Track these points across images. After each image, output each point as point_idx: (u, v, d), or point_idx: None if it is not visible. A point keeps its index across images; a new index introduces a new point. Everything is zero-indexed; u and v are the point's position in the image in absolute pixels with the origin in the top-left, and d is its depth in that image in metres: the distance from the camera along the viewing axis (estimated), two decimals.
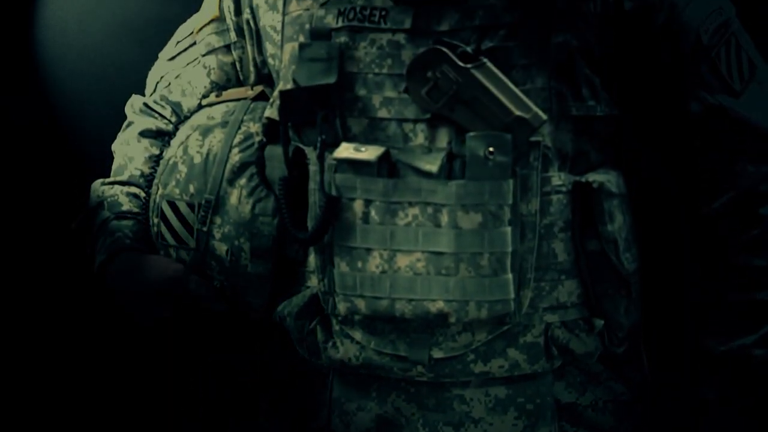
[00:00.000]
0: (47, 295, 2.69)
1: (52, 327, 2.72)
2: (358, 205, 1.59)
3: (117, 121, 2.01)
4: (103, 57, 2.68)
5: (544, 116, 1.55)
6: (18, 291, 2.71)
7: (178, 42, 1.96)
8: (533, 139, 1.57)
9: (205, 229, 1.75)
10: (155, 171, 1.86)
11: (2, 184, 2.69)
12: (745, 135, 1.64)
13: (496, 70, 1.55)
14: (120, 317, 1.86)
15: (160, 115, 1.93)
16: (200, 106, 1.89)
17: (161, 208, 1.79)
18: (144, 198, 1.87)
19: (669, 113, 1.67)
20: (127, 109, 1.97)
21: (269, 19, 1.76)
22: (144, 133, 1.92)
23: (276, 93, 1.72)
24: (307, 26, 1.67)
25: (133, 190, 1.88)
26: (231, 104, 1.83)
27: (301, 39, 1.68)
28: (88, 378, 2.67)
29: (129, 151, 1.91)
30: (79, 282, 1.89)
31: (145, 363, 2.44)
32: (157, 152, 1.89)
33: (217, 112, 1.82)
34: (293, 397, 1.79)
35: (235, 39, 1.87)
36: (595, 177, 1.63)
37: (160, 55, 1.98)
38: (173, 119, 1.92)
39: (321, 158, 1.61)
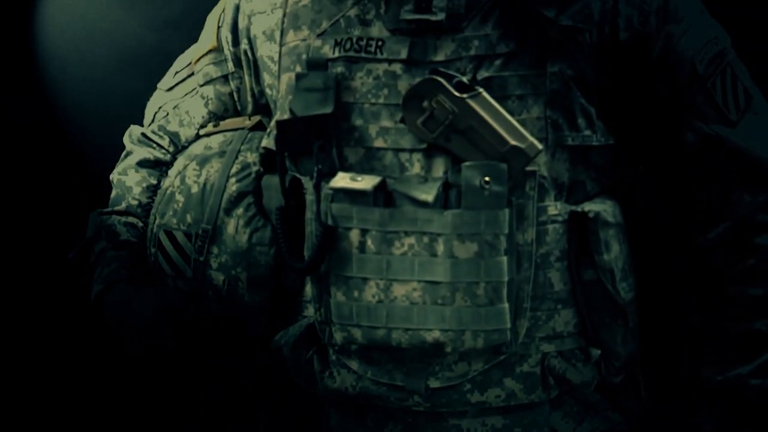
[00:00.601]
0: (47, 294, 2.69)
1: (52, 327, 2.73)
2: (354, 235, 1.59)
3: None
4: (103, 65, 2.72)
5: (540, 146, 1.55)
6: (18, 289, 2.71)
7: (176, 72, 1.96)
8: (529, 168, 1.57)
9: (202, 258, 1.75)
10: (153, 201, 1.86)
11: (2, 184, 2.71)
12: (742, 165, 1.64)
13: (491, 100, 1.56)
14: (117, 346, 1.86)
15: (158, 145, 1.93)
16: (198, 136, 1.89)
17: (158, 237, 1.80)
18: (141, 228, 1.87)
19: (665, 143, 1.68)
20: (126, 139, 1.98)
21: (266, 50, 1.77)
22: (142, 163, 1.92)
23: (273, 123, 1.72)
24: (304, 56, 1.68)
25: (131, 219, 1.88)
26: (228, 134, 1.84)
27: (298, 69, 1.68)
28: (89, 380, 2.68)
29: (127, 181, 1.91)
30: (78, 283, 1.89)
31: (146, 366, 2.44)
32: (154, 182, 1.89)
33: (215, 142, 1.83)
34: (293, 400, 1.78)
35: (233, 69, 1.87)
36: (591, 206, 1.63)
37: (158, 85, 1.98)
38: (171, 149, 1.92)
39: (317, 188, 1.62)
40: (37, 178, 2.79)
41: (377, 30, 1.64)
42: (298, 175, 1.69)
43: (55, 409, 2.75)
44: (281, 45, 1.73)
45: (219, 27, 1.88)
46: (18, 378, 2.76)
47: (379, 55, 1.63)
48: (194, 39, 1.96)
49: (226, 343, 1.82)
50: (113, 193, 1.93)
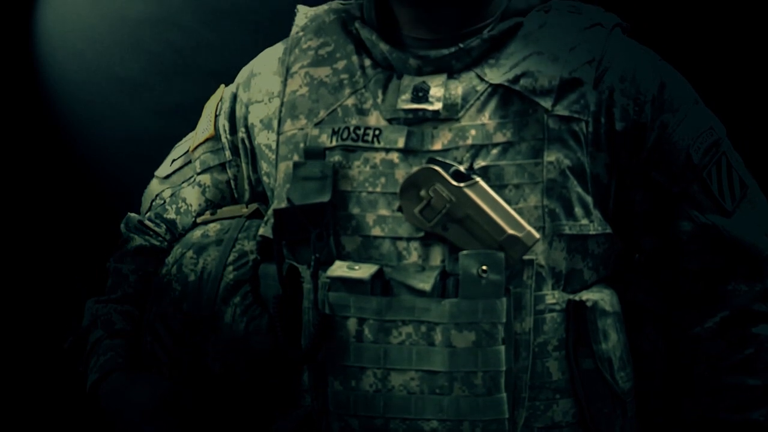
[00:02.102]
0: (46, 296, 2.68)
1: (50, 328, 2.72)
2: (351, 324, 1.59)
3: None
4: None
5: (537, 235, 1.55)
6: (18, 290, 2.70)
7: (173, 160, 1.96)
8: (526, 257, 1.57)
9: (199, 347, 1.74)
10: (149, 289, 1.85)
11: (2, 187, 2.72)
12: (738, 254, 1.65)
13: (488, 189, 1.57)
14: None
15: (155, 233, 1.93)
16: (195, 224, 1.89)
17: (155, 326, 1.79)
18: (137, 316, 1.86)
19: (661, 232, 1.68)
20: (122, 227, 1.97)
21: (264, 138, 1.78)
22: (138, 251, 1.91)
23: (270, 211, 1.72)
24: (302, 145, 1.69)
25: (127, 308, 1.87)
26: (226, 222, 1.84)
27: (296, 158, 1.69)
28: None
29: (123, 269, 1.90)
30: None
31: None
32: (151, 270, 1.89)
33: (212, 230, 1.83)
34: None
35: (230, 158, 1.88)
36: (588, 295, 1.63)
37: (155, 173, 1.99)
38: (168, 237, 1.92)
39: (315, 277, 1.62)
40: (37, 184, 2.81)
41: (374, 119, 1.65)
42: (295, 264, 1.69)
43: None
44: (279, 134, 1.73)
45: (216, 115, 1.89)
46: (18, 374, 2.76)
47: (376, 144, 1.64)
48: (194, 124, 1.97)
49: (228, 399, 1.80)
50: (109, 281, 1.92)
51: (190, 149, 1.93)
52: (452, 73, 1.65)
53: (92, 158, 2.87)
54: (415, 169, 1.59)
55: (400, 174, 1.61)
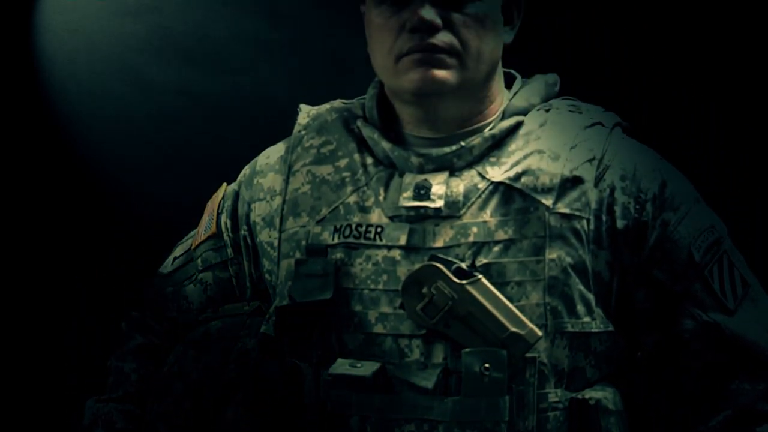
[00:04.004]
0: (46, 296, 2.67)
1: (53, 331, 2.70)
2: (354, 422, 1.58)
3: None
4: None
5: (540, 333, 1.55)
6: (18, 290, 2.72)
7: (175, 258, 1.96)
8: (529, 355, 1.57)
9: None
10: (150, 388, 1.84)
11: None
12: (741, 353, 1.64)
13: (490, 287, 1.57)
14: None
15: (157, 331, 1.92)
16: (197, 322, 1.89)
17: (157, 424, 1.77)
18: (139, 415, 1.84)
19: (663, 330, 1.68)
20: (123, 325, 1.97)
21: (266, 236, 1.78)
22: (140, 349, 1.90)
23: (272, 309, 1.72)
24: (304, 242, 1.69)
25: (128, 407, 1.85)
26: (227, 320, 1.83)
27: (298, 255, 1.69)
28: None
29: (124, 368, 1.89)
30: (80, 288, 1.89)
31: None
32: (152, 369, 1.88)
33: (214, 328, 1.82)
34: None
35: (232, 255, 1.88)
36: (591, 394, 1.62)
37: (157, 271, 1.99)
38: (169, 335, 1.91)
39: (317, 374, 1.61)
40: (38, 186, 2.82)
41: (376, 216, 1.66)
42: (297, 362, 1.68)
43: None
44: (281, 231, 1.74)
45: (219, 213, 1.90)
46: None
47: (378, 242, 1.64)
48: (195, 223, 1.98)
49: None
50: (110, 380, 1.90)
51: (192, 247, 1.93)
52: (454, 171, 1.66)
53: (95, 183, 2.90)
54: (417, 266, 1.59)
55: (402, 271, 1.62)
